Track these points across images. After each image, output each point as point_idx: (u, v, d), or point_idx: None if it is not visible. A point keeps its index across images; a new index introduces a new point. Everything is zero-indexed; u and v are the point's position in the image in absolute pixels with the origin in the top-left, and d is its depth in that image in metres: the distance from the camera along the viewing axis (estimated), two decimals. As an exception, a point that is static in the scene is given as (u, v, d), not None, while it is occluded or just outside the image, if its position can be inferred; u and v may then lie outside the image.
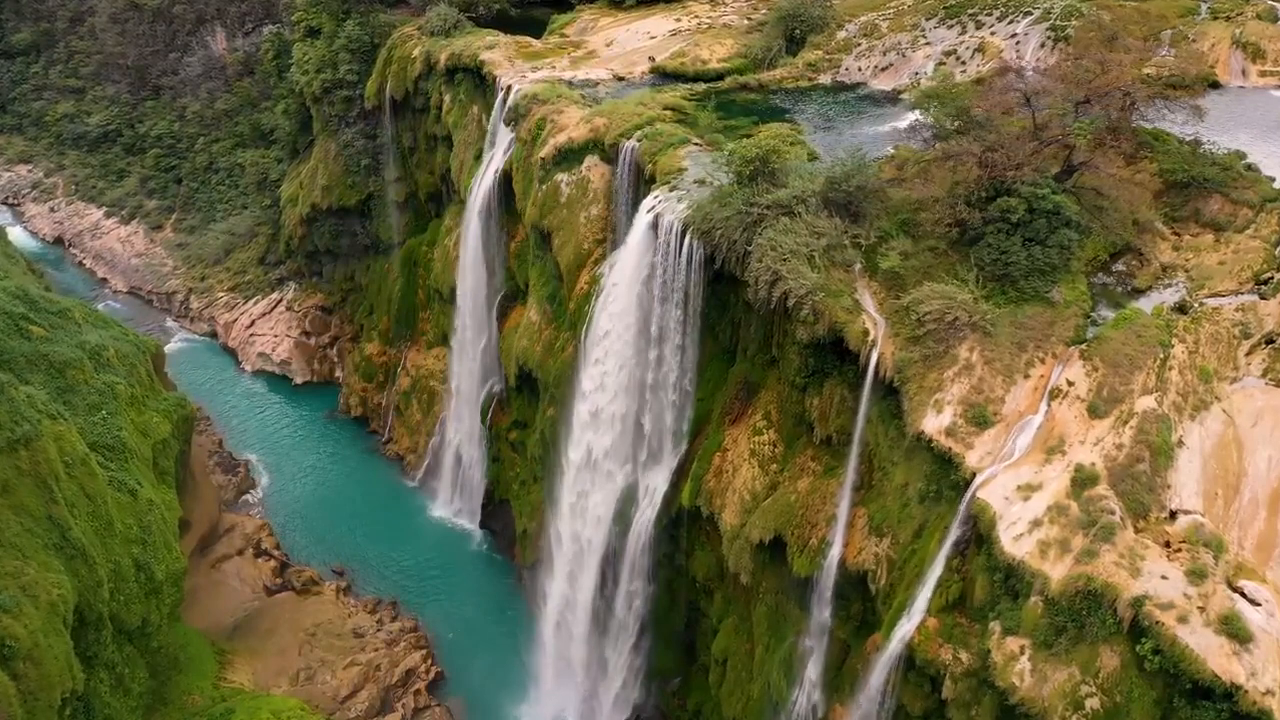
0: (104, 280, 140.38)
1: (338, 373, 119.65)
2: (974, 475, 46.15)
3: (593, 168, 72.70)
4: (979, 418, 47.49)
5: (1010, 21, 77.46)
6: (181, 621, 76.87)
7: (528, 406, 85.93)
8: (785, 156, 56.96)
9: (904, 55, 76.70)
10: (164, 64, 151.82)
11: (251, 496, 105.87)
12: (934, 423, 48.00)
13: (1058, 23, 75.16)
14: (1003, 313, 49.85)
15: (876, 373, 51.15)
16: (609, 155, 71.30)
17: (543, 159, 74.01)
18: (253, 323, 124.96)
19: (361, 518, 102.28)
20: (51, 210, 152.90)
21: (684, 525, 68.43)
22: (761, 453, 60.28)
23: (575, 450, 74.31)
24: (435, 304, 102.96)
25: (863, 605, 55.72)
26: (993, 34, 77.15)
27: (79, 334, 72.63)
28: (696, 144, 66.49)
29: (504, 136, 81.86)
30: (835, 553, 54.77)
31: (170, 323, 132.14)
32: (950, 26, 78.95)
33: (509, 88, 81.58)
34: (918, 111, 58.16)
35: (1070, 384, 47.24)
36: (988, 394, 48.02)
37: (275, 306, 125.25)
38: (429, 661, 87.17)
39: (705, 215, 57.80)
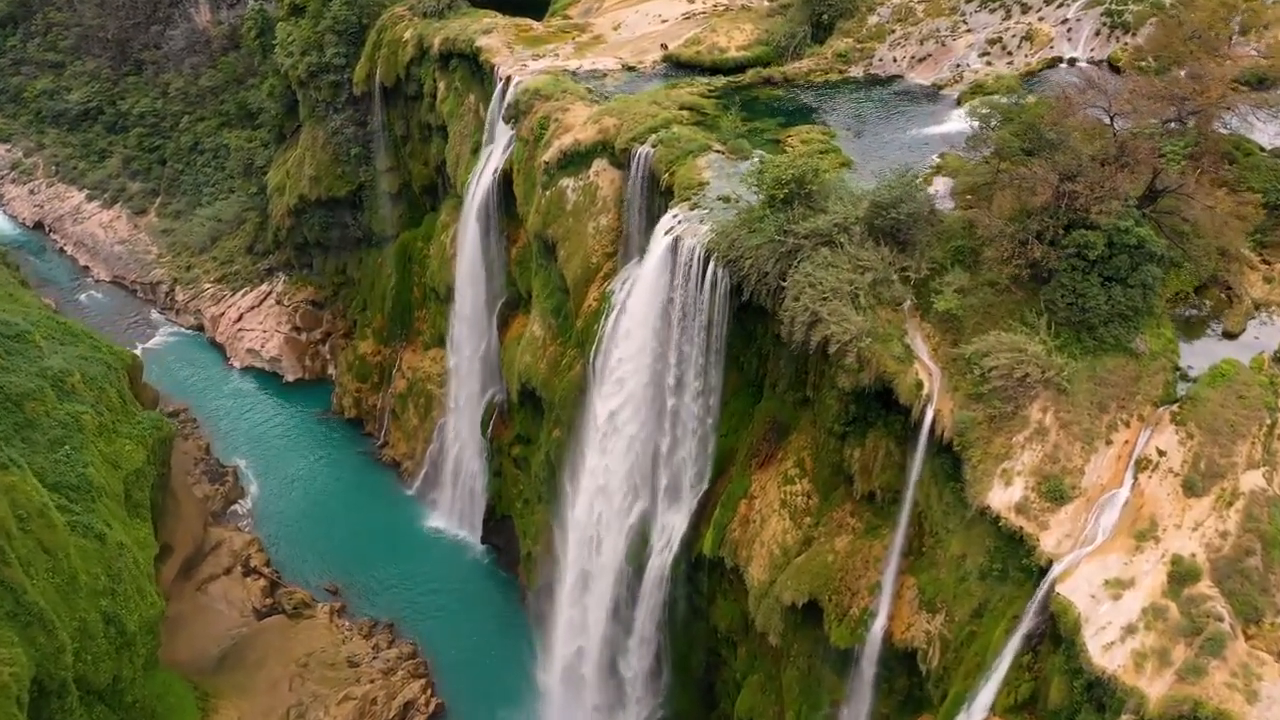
0: (86, 269, 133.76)
1: (330, 370, 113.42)
2: (1050, 563, 39.90)
3: (601, 172, 65.92)
4: (1055, 492, 41.16)
5: (1060, 5, 70.25)
6: (160, 665, 70.94)
7: (531, 422, 79.75)
8: (824, 177, 50.02)
9: (943, 44, 69.49)
10: (145, 37, 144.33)
11: (240, 507, 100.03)
12: (1002, 497, 41.69)
13: (1114, 7, 68.03)
14: (1080, 366, 43.25)
15: (932, 430, 44.75)
16: (620, 159, 64.48)
17: (546, 162, 67.18)
18: (241, 316, 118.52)
19: (357, 529, 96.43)
20: (31, 193, 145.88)
21: (704, 570, 62.40)
22: (793, 504, 54.03)
23: (586, 481, 68.25)
24: (432, 303, 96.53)
25: (909, 680, 49.75)
26: (1041, 19, 70.01)
27: (40, 360, 66.31)
28: (718, 151, 59.58)
29: (503, 133, 74.93)
30: (880, 625, 48.75)
31: (155, 315, 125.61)
32: (993, 10, 71.69)
33: (508, 79, 74.55)
34: (973, 118, 51.26)
35: (1161, 454, 40.83)
36: (1064, 463, 41.64)
37: (264, 299, 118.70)
38: (429, 692, 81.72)
39: (732, 242, 51.16)
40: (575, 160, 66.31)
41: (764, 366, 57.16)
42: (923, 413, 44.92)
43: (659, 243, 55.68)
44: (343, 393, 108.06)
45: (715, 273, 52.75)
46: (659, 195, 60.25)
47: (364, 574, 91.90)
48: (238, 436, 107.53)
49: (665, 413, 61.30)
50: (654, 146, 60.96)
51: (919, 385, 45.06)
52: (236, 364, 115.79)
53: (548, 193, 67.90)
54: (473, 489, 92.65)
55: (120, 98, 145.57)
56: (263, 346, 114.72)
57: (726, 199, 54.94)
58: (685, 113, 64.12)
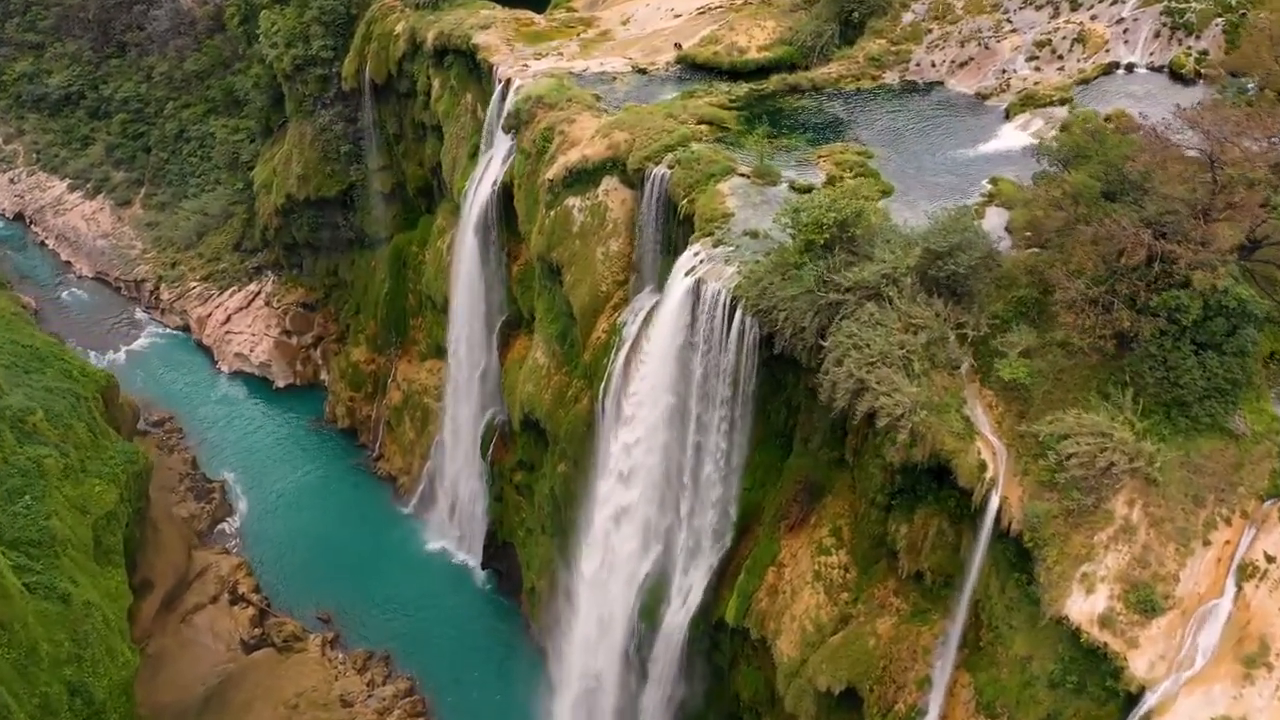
0: (68, 264, 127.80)
1: (322, 375, 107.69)
2: (1143, 690, 34.33)
3: (611, 191, 59.88)
4: (1145, 602, 35.55)
5: (1114, 2, 63.85)
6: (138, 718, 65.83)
7: (534, 449, 74.08)
8: (869, 219, 43.89)
9: (986, 46, 63.15)
10: (128, 17, 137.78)
11: (228, 526, 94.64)
12: (1082, 606, 36.06)
13: (1174, 5, 61.69)
14: (1171, 452, 37.47)
15: (997, 519, 39.05)
16: (632, 179, 58.38)
17: (550, 180, 61.09)
18: (229, 318, 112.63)
19: (351, 550, 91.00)
20: (11, 182, 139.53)
21: (726, 633, 56.90)
22: (829, 577, 48.39)
23: (595, 525, 62.73)
24: (428, 311, 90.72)
25: (962, 782, 44.37)
26: (1093, 18, 63.66)
27: (-2, 398, 60.66)
28: (743, 174, 53.45)
29: (503, 141, 68.71)
30: (930, 724, 43.35)
31: (140, 314, 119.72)
32: (1039, 8, 65.30)
33: (508, 82, 68.31)
34: (1043, 155, 45.18)
35: (1270, 559, 35.21)
36: (1156, 568, 36.00)
37: (253, 300, 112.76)
38: (427, 733, 76.85)
39: (763, 290, 45.17)
40: (582, 178, 60.29)
41: (794, 418, 51.26)
42: (986, 497, 39.22)
43: (679, 283, 49.70)
44: (335, 401, 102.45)
45: (743, 321, 46.87)
46: (677, 223, 54.24)
47: (358, 599, 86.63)
48: (226, 448, 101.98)
49: (683, 461, 55.68)
50: (671, 168, 54.86)
51: (982, 467, 39.31)
52: (225, 368, 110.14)
53: (552, 212, 61.90)
54: (473, 512, 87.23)
55: (103, 81, 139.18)
56: (252, 351, 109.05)
57: (754, 234, 48.94)
58: (704, 127, 57.97)
